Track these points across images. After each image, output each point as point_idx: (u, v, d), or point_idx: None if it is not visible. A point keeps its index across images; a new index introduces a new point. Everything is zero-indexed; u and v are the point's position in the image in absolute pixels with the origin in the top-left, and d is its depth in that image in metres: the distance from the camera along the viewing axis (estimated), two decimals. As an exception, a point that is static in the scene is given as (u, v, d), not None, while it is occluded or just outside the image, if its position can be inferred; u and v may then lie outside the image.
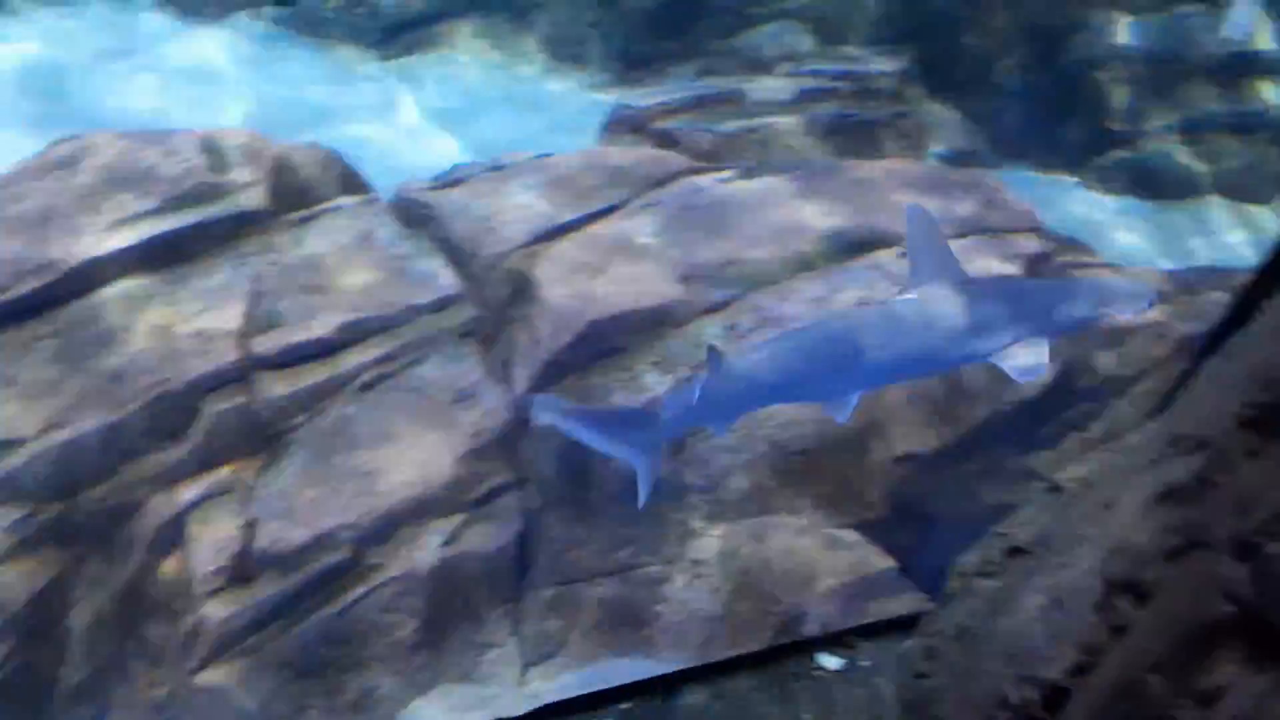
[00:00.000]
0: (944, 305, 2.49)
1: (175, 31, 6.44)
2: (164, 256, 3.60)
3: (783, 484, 3.26)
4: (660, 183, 3.88)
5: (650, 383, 3.22)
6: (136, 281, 3.51)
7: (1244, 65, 5.56)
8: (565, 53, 6.56)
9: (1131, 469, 1.15)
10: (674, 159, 4.10)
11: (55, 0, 6.62)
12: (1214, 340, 1.29)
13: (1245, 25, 5.45)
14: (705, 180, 3.86)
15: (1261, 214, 5.33)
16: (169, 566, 3.04)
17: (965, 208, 3.66)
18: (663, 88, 5.85)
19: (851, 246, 3.50)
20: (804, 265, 3.44)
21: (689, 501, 3.33)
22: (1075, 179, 5.35)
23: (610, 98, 6.10)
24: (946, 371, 2.90)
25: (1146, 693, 0.84)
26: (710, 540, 3.31)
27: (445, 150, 5.35)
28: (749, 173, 3.91)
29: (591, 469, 3.20)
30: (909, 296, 2.58)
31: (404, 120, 5.79)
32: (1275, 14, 5.65)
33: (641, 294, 3.36)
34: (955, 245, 3.49)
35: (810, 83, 5.28)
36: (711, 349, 2.65)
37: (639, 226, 3.63)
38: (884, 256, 3.41)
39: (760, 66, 5.63)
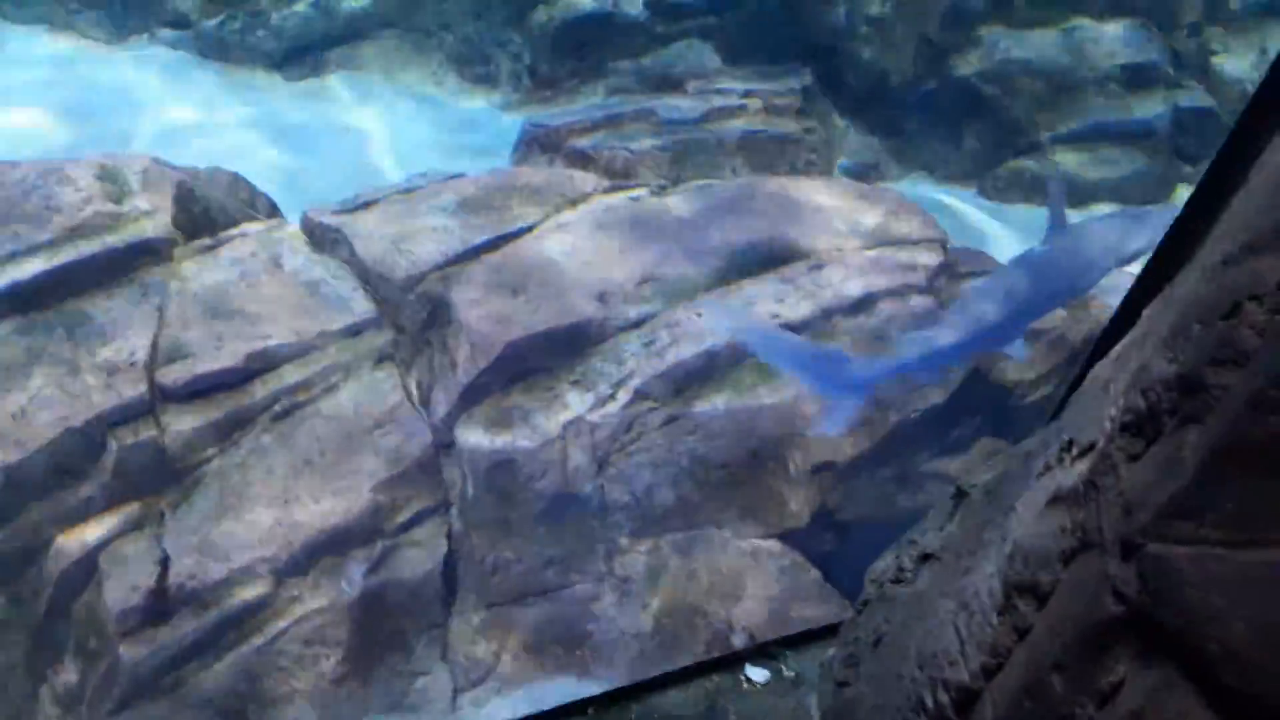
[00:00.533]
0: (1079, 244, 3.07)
1: (76, 57, 6.23)
2: (64, 289, 3.47)
3: (706, 497, 3.31)
4: (574, 202, 3.90)
5: (572, 401, 3.23)
6: (37, 317, 3.38)
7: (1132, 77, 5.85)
8: (473, 72, 6.54)
9: (1028, 474, 1.21)
10: (587, 178, 4.12)
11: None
12: (1101, 345, 1.37)
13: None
14: (618, 199, 3.90)
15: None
16: (81, 607, 2.93)
17: (871, 219, 3.77)
18: (574, 107, 5.90)
19: (764, 260, 3.57)
20: (719, 279, 3.50)
21: (614, 519, 3.35)
22: (973, 189, 5.56)
23: (521, 117, 6.11)
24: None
25: (1050, 693, 0.89)
26: (637, 556, 3.34)
27: (351, 173, 5.28)
28: (662, 190, 3.96)
29: (515, 489, 3.20)
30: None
31: (308, 142, 5.69)
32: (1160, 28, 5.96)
33: (559, 313, 3.37)
34: (862, 257, 3.62)
35: (719, 100, 5.37)
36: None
37: (554, 246, 3.64)
38: (796, 270, 3.50)
39: (669, 85, 5.71)
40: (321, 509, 3.11)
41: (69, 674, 2.98)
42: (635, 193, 3.92)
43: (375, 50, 6.47)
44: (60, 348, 3.32)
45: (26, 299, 3.43)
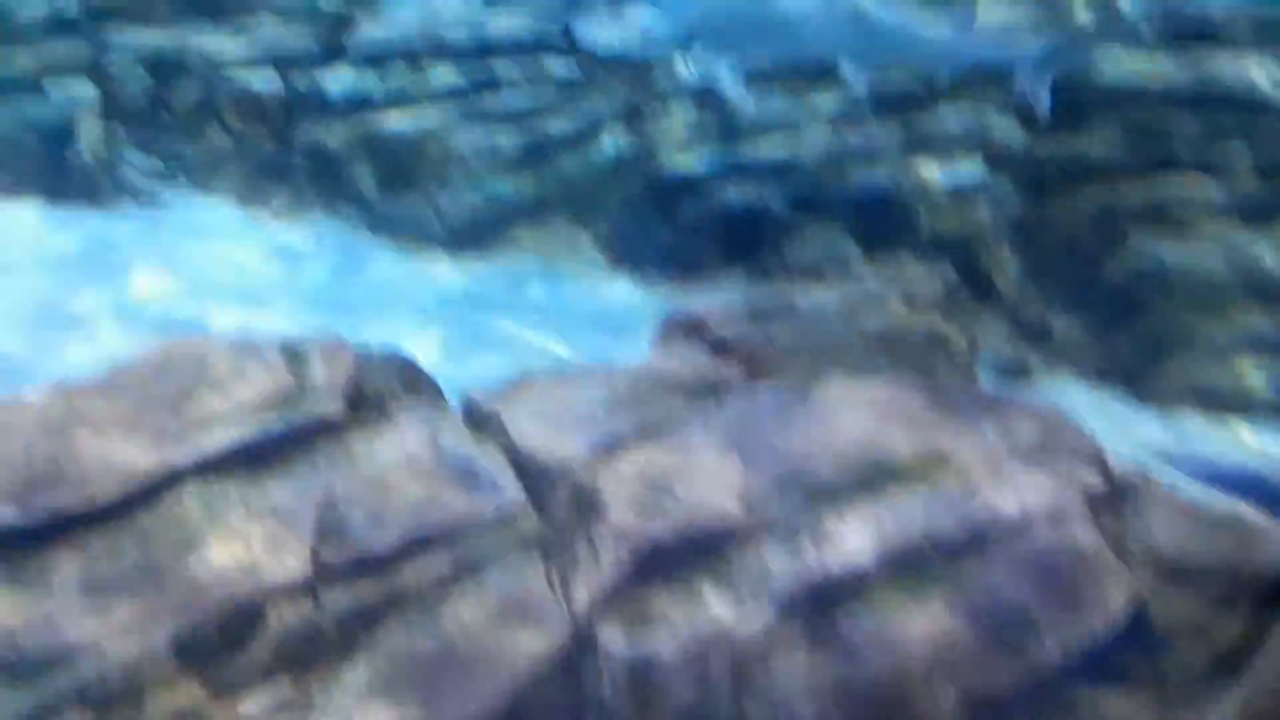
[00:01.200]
0: None
1: (257, 227, 6.88)
2: (244, 462, 3.74)
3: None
4: (719, 395, 4.01)
5: (714, 607, 3.23)
6: (217, 486, 3.63)
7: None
8: (622, 256, 6.91)
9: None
10: (731, 371, 4.24)
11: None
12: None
13: None
14: (764, 396, 3.98)
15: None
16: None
17: (1023, 430, 3.73)
18: (716, 294, 6.13)
19: (911, 469, 3.56)
20: (865, 487, 3.50)
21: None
22: (1129, 393, 5.43)
23: (665, 302, 6.38)
24: None
25: None
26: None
27: (507, 353, 5.58)
28: (806, 386, 4.04)
29: (653, 695, 3.17)
30: None
31: (468, 320, 6.06)
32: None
33: (704, 512, 3.42)
34: (1016, 472, 3.55)
35: (860, 294, 5.49)
36: None
37: (698, 441, 3.72)
38: (945, 481, 3.46)
39: (810, 276, 5.90)
40: (464, 710, 3.14)
41: None
42: (778, 387, 4.01)
43: (534, 233, 6.93)
44: (235, 517, 3.55)
45: (210, 467, 3.70)
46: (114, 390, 3.94)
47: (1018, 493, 3.39)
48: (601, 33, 5.31)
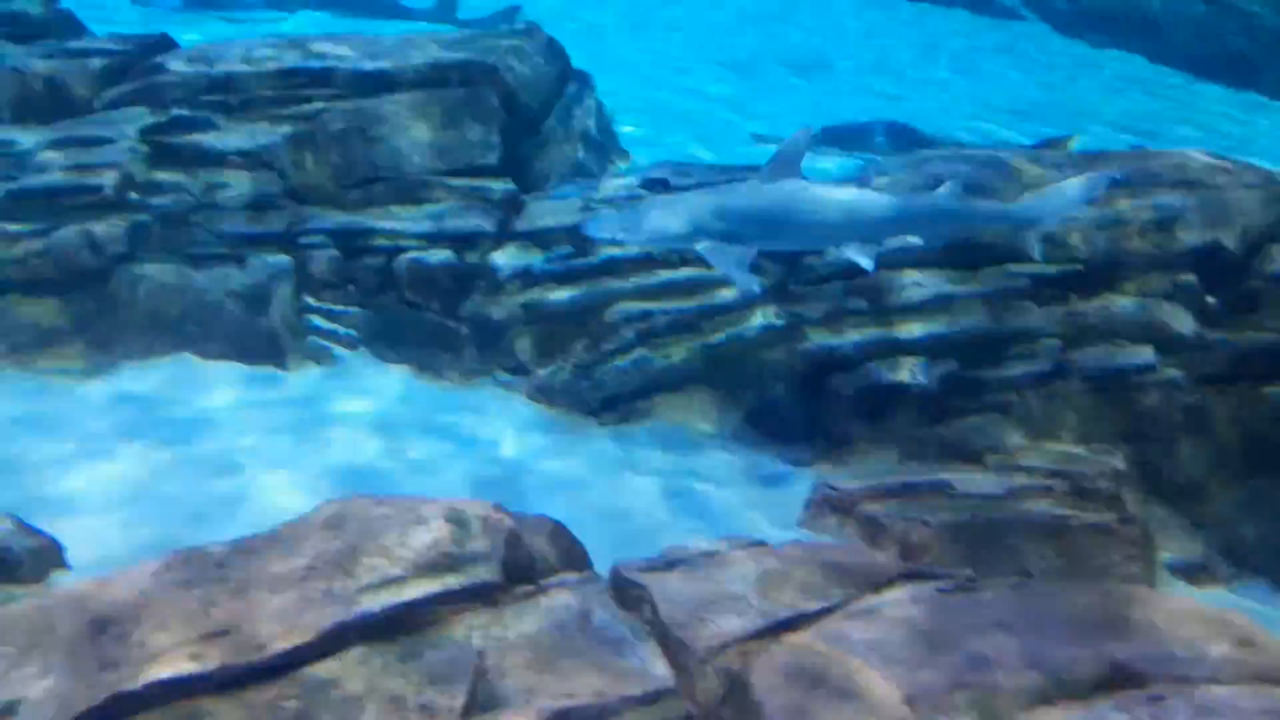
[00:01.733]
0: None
1: (426, 394, 7.28)
2: (404, 623, 3.84)
3: None
4: (878, 586, 3.89)
5: (873, 817, 3.03)
6: (377, 647, 3.73)
7: None
8: (769, 428, 6.93)
9: None
10: (891, 561, 4.13)
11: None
12: None
13: None
14: (925, 589, 3.84)
15: None
16: None
17: (1218, 643, 3.44)
18: (866, 470, 6.04)
19: (1091, 681, 3.31)
20: (1039, 697, 3.28)
21: None
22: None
23: (812, 475, 6.32)
24: None
25: None
26: None
27: (650, 523, 5.62)
28: (972, 584, 3.87)
29: None
30: None
31: (613, 490, 6.15)
32: None
33: (863, 711, 3.27)
34: (1214, 694, 3.26)
35: (1022, 479, 5.30)
36: None
37: (858, 634, 3.60)
38: (1131, 699, 3.20)
39: (965, 457, 5.75)
40: None
41: None
42: (942, 584, 3.86)
43: (681, 403, 7.06)
44: (393, 682, 3.62)
45: (373, 631, 3.82)
46: (288, 546, 4.16)
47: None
48: (611, 230, 5.90)
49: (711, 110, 13.86)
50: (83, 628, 3.65)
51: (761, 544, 4.42)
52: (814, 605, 3.83)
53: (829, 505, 5.58)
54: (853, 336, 6.86)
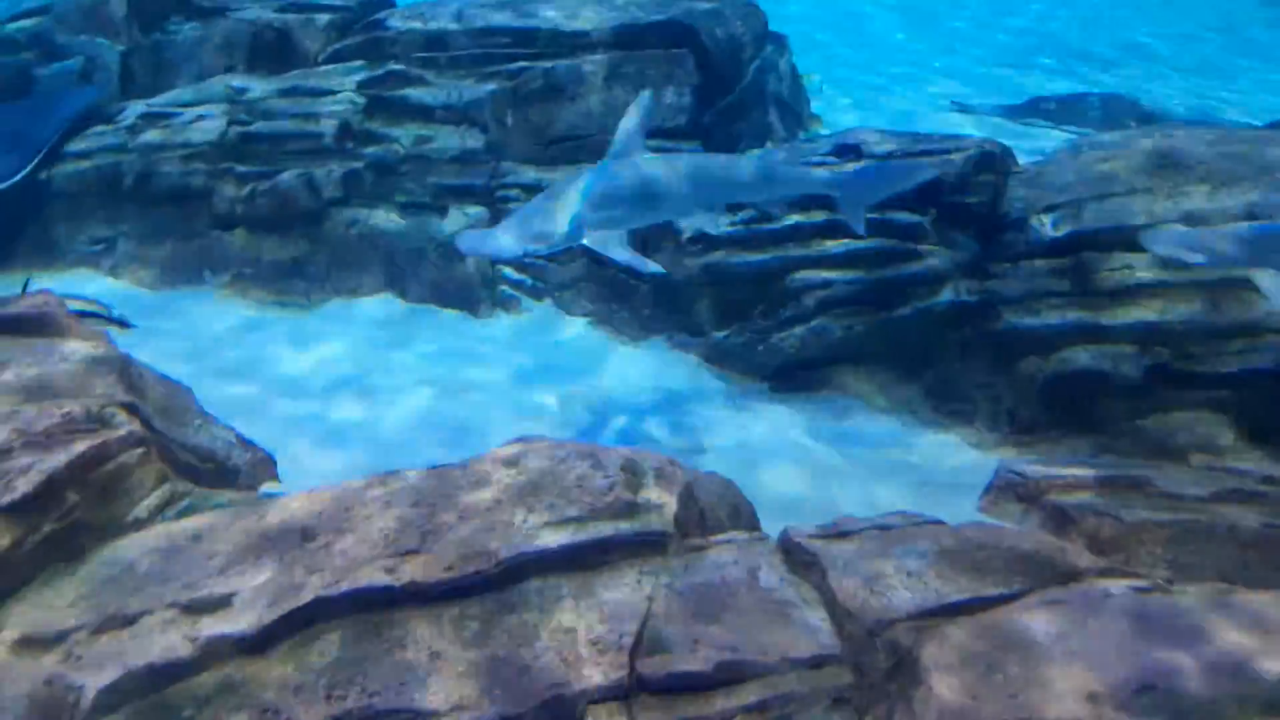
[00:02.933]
0: None
1: (604, 350, 7.46)
2: (578, 562, 3.99)
3: None
4: (1064, 579, 3.70)
5: (1044, 809, 2.93)
6: (553, 581, 3.89)
7: None
8: (948, 408, 6.69)
9: None
10: (1080, 555, 3.91)
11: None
12: None
13: None
14: (1119, 586, 3.63)
15: None
16: None
17: None
18: (1056, 459, 5.74)
19: (1300, 700, 3.06)
20: (1244, 708, 3.05)
21: None
22: None
23: (993, 458, 6.06)
24: None
25: None
26: None
27: (818, 495, 5.55)
28: (1169, 586, 3.63)
29: None
30: None
31: (781, 455, 6.12)
32: None
33: (1040, 703, 3.14)
34: None
35: (1231, 482, 4.89)
36: None
37: (1039, 626, 3.45)
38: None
39: (1168, 454, 5.36)
40: (761, 846, 3.06)
41: None
42: (1136, 583, 3.63)
43: (857, 375, 6.92)
44: (566, 616, 3.77)
45: (549, 565, 3.98)
46: (476, 478, 4.39)
47: None
48: (479, 243, 5.72)
49: (911, 76, 13.36)
50: (291, 535, 3.99)
51: (940, 523, 4.29)
52: (993, 591, 3.69)
53: (1012, 491, 5.32)
54: (1051, 319, 6.50)
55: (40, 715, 3.21)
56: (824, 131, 10.08)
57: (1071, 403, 6.15)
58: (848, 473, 5.96)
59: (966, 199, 7.43)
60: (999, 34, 16.07)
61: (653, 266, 5.37)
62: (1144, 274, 6.33)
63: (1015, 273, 6.89)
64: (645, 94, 5.78)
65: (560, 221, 5.10)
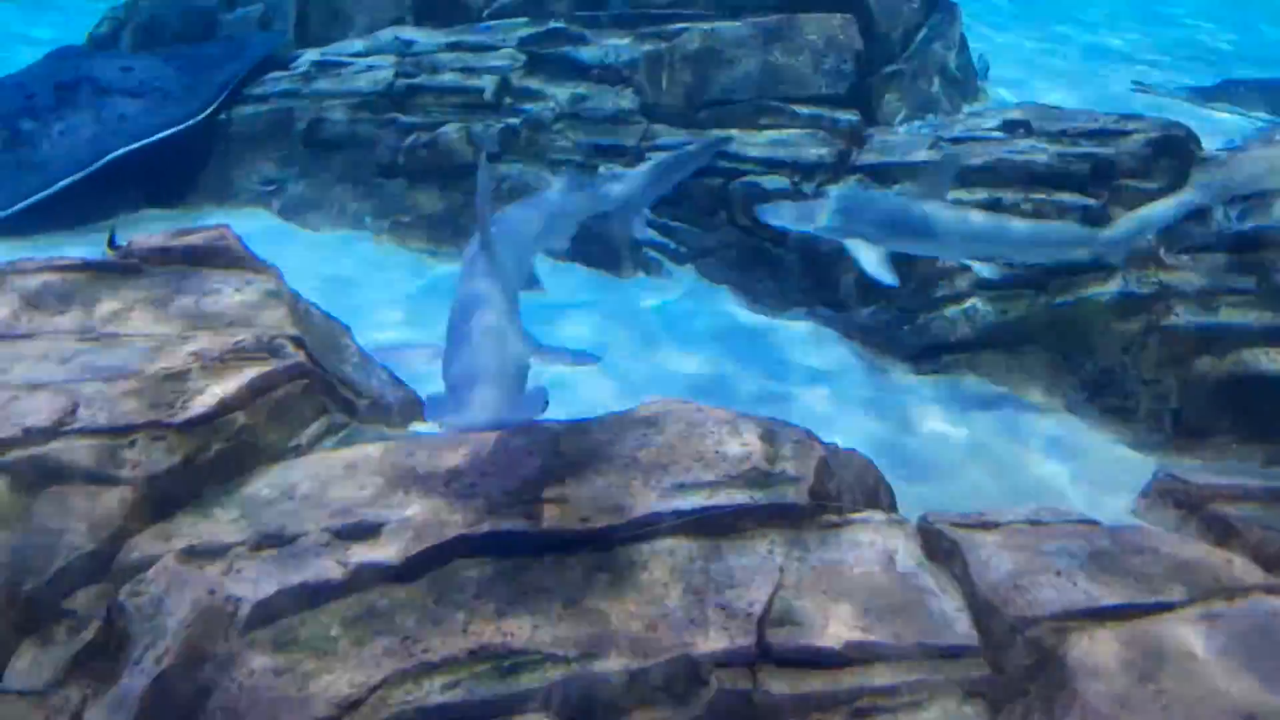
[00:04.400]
0: None
1: (747, 323, 7.38)
2: (710, 527, 3.98)
3: None
4: (1229, 593, 3.47)
5: (1193, 833, 2.77)
6: (685, 543, 3.90)
7: None
8: (1105, 403, 6.34)
9: None
10: (1247, 569, 3.65)
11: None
12: None
13: None
14: (1288, 606, 3.38)
15: None
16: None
17: None
18: (1220, 467, 5.37)
19: None
20: None
21: None
22: None
23: (1153, 460, 5.73)
24: None
25: None
26: None
27: (962, 478, 5.37)
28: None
29: None
30: None
31: (926, 437, 5.94)
32: None
33: (1195, 718, 2.96)
34: None
35: None
36: None
37: (1198, 639, 3.24)
38: None
39: (1358, 473, 4.93)
40: (882, 830, 3.02)
41: None
42: (1312, 606, 3.37)
43: (1009, 363, 6.63)
44: (696, 578, 3.77)
45: (681, 527, 3.99)
46: (614, 435, 4.43)
47: None
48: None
49: (1092, 55, 12.60)
50: (438, 474, 4.13)
51: (1094, 522, 4.08)
52: (1150, 598, 3.48)
53: (1171, 497, 5.01)
54: (1231, 317, 6.05)
55: (202, 621, 3.44)
56: (991, 106, 9.63)
57: (1245, 408, 5.72)
58: (991, 461, 5.74)
59: (1144, 184, 6.98)
60: (1188, 11, 14.94)
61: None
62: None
63: (1194, 266, 6.44)
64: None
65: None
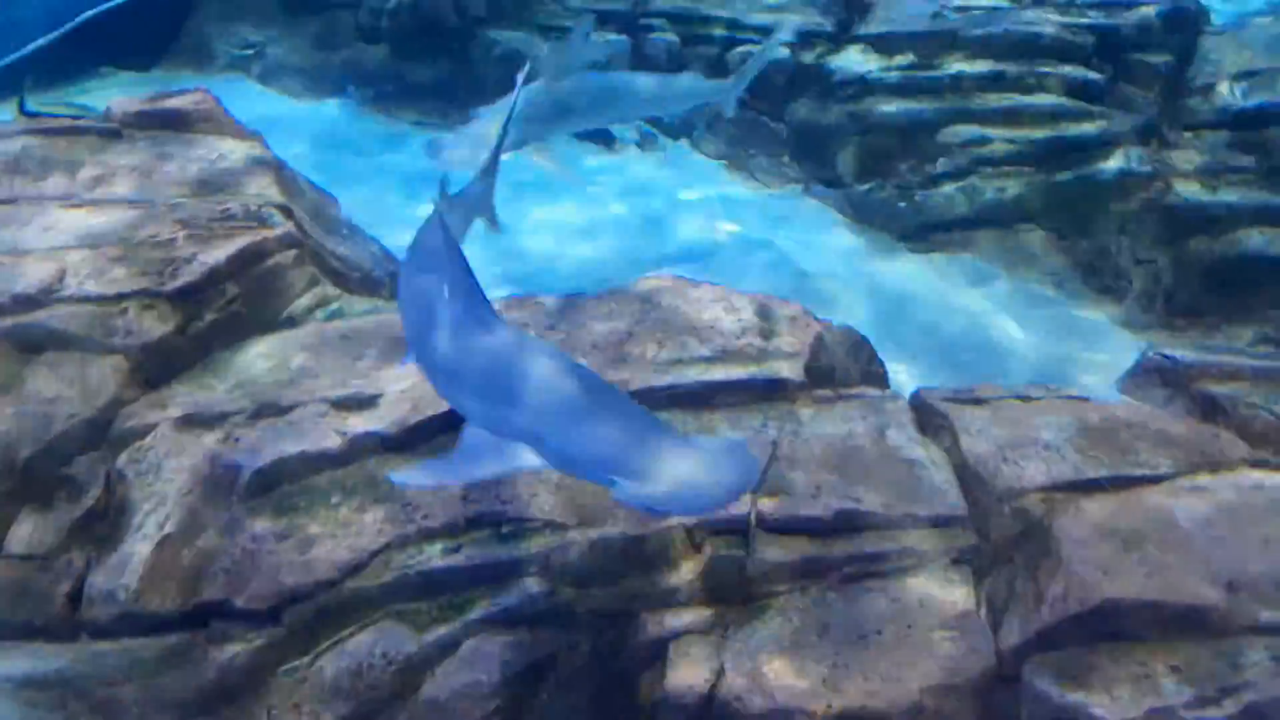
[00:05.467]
0: None
1: (744, 197, 7.26)
2: (705, 401, 4.01)
3: None
4: (1215, 466, 3.54)
5: (1166, 689, 2.89)
6: (679, 416, 3.93)
7: None
8: (1099, 282, 6.33)
9: None
10: (1235, 443, 3.72)
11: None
12: None
13: None
14: (1271, 479, 3.45)
15: None
16: (646, 680, 3.30)
17: None
18: (1213, 345, 5.41)
19: None
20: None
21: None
22: None
23: (1143, 340, 5.76)
24: None
25: None
26: None
27: (948, 355, 5.40)
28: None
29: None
30: None
31: (916, 314, 5.94)
32: None
33: (1175, 587, 3.06)
34: None
35: None
36: None
37: (1183, 510, 3.32)
38: None
39: (1346, 352, 4.98)
40: (866, 687, 3.14)
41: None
42: (1294, 478, 3.45)
43: (1003, 240, 6.57)
44: (690, 450, 3.82)
45: (677, 401, 4.01)
46: (610, 310, 4.41)
47: None
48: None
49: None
50: (434, 346, 4.11)
51: (1084, 398, 4.13)
52: (1136, 471, 3.55)
53: (1159, 375, 5.04)
54: (1229, 196, 5.99)
55: (201, 488, 3.48)
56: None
57: (1237, 288, 5.73)
58: (984, 339, 5.76)
59: (1150, 57, 6.79)
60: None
61: None
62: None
63: (1196, 144, 6.33)
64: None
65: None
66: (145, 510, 3.49)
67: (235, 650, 3.29)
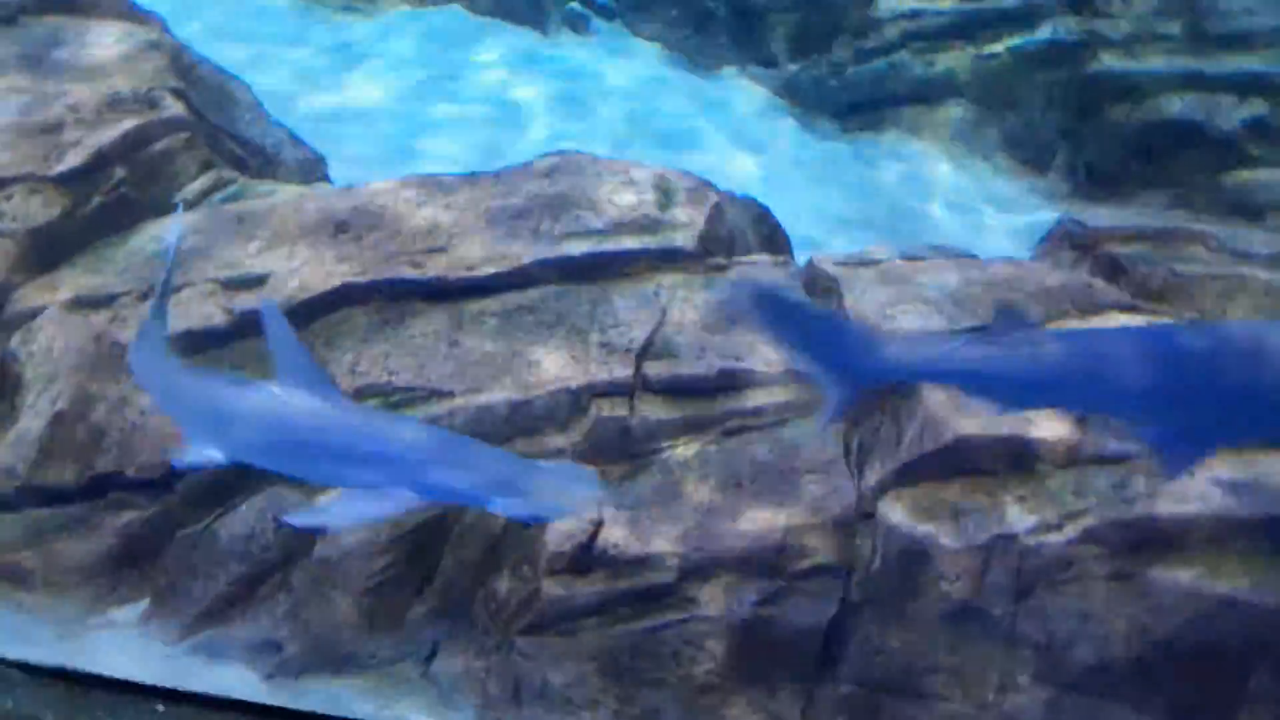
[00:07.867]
0: None
1: (672, 79, 7.18)
2: (598, 272, 4.06)
3: (1132, 677, 2.90)
4: (1084, 313, 3.62)
5: (1011, 517, 3.03)
6: (571, 287, 3.99)
7: None
8: (1025, 155, 6.33)
9: None
10: (1109, 292, 3.80)
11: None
12: None
13: None
14: (1140, 322, 3.53)
15: None
16: (527, 537, 3.43)
17: None
18: (1124, 212, 5.45)
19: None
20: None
21: (1019, 654, 3.09)
22: None
23: (1063, 210, 5.80)
24: None
25: None
26: (1033, 701, 3.07)
27: (866, 224, 5.44)
28: (1194, 327, 3.51)
29: (923, 582, 3.09)
30: None
31: (841, 188, 5.96)
32: None
33: (1026, 423, 3.17)
34: None
35: (1305, 244, 4.59)
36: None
37: (1046, 353, 3.41)
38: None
39: (1245, 212, 5.02)
40: (737, 529, 3.28)
41: (502, 585, 3.49)
42: (1161, 321, 3.53)
43: (934, 116, 6.55)
44: (580, 319, 3.89)
45: (569, 272, 4.06)
46: (508, 186, 4.42)
47: None
48: None
49: None
50: (326, 226, 4.14)
51: (972, 258, 4.19)
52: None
53: (1068, 241, 5.09)
54: (1154, 64, 5.95)
55: (89, 366, 3.54)
56: None
57: (1155, 154, 5.74)
58: (904, 212, 5.80)
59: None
60: None
61: None
62: (1266, 18, 5.68)
63: (1125, 12, 6.26)
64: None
65: None
66: (38, 390, 3.56)
67: (131, 517, 3.40)
